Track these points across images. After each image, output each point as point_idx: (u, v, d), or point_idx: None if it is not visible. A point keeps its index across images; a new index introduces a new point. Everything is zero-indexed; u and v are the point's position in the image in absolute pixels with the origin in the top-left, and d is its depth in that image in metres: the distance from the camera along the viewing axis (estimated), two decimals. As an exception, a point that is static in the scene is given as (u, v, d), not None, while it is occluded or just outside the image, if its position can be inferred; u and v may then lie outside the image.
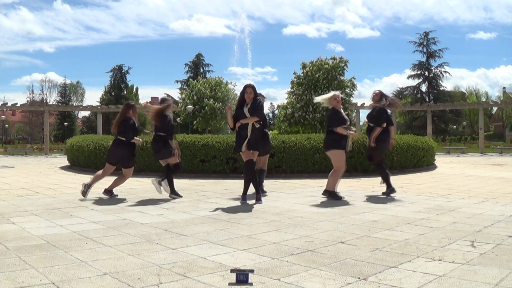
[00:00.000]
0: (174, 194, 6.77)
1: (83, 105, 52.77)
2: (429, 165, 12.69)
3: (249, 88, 6.17)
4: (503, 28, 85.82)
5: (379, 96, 7.22)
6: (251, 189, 6.34)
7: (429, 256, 3.42)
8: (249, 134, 6.12)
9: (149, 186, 7.28)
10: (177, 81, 55.27)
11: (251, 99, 6.15)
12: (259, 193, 6.33)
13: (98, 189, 7.98)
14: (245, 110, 6.12)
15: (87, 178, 10.14)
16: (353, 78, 23.02)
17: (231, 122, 6.22)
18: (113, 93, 55.89)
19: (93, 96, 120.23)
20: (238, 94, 6.66)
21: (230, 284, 2.81)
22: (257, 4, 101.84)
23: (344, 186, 7.90)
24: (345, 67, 22.72)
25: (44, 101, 53.70)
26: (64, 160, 15.81)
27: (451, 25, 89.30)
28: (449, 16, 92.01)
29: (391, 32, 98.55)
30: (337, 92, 6.89)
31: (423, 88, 51.72)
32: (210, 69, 55.34)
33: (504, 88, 60.53)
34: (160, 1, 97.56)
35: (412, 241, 3.92)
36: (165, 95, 55.54)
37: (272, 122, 61.24)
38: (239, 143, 6.21)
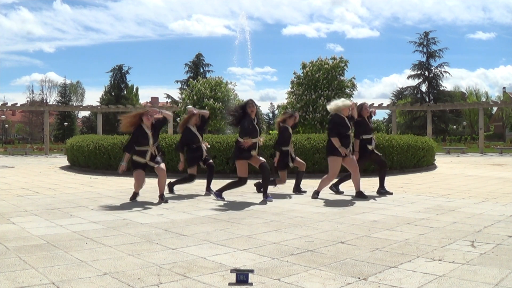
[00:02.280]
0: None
1: (83, 105, 52.67)
2: (429, 165, 12.69)
3: (251, 103, 6.50)
4: (502, 28, 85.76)
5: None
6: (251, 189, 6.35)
7: (429, 256, 3.42)
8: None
9: (149, 186, 7.27)
10: (177, 81, 55.25)
11: (255, 114, 6.48)
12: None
13: (98, 189, 7.98)
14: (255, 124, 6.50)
15: (87, 178, 10.16)
16: (353, 78, 23.00)
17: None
18: (113, 93, 55.77)
19: (93, 96, 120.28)
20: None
21: (230, 284, 2.81)
22: (256, 4, 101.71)
23: (344, 186, 7.89)
24: (345, 67, 22.71)
25: (44, 101, 53.65)
26: (64, 160, 15.81)
27: (450, 25, 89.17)
28: (447, 16, 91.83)
29: (390, 32, 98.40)
30: (349, 102, 6.91)
31: (423, 88, 51.68)
32: (210, 69, 55.37)
33: (504, 88, 60.53)
34: (158, 1, 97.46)
35: (412, 241, 3.92)
36: (165, 95, 55.57)
37: (272, 122, 61.19)
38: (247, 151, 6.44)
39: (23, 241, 3.95)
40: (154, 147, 6.39)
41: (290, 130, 7.55)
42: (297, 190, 7.47)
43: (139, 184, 6.39)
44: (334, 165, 6.62)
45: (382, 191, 7.06)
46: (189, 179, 7.40)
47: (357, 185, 6.72)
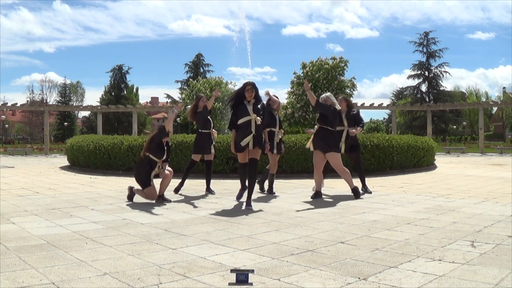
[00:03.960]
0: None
1: (83, 105, 52.73)
2: (429, 165, 12.69)
3: (248, 85, 6.11)
4: (501, 28, 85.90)
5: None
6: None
7: (429, 256, 3.42)
8: (253, 130, 5.93)
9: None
10: (177, 81, 55.33)
11: (252, 97, 6.06)
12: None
13: (98, 189, 7.98)
14: (248, 107, 6.02)
15: (87, 178, 10.16)
16: (353, 78, 23.01)
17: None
18: (113, 93, 55.76)
19: (93, 96, 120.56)
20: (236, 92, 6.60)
21: (230, 284, 2.81)
22: (255, 5, 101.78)
23: (344, 186, 7.89)
24: (345, 67, 22.72)
25: (44, 101, 53.65)
26: (64, 160, 15.81)
27: (449, 25, 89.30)
28: (446, 16, 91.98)
29: (389, 32, 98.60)
30: (326, 94, 6.94)
31: (423, 88, 51.71)
32: (210, 69, 55.40)
33: (504, 88, 60.55)
34: (158, 2, 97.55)
35: (412, 241, 3.92)
36: (165, 95, 55.55)
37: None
38: (240, 141, 6.00)
39: (23, 241, 3.95)
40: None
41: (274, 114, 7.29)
42: (265, 190, 7.44)
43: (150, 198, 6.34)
44: (314, 158, 6.75)
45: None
46: (191, 165, 7.34)
47: (350, 183, 6.79)
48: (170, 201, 6.33)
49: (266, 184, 7.49)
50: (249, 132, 5.92)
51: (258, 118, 5.92)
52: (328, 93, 7.08)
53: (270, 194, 7.19)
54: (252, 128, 5.92)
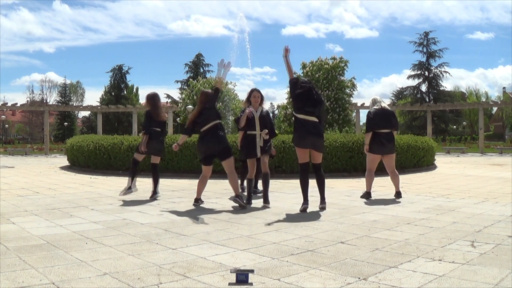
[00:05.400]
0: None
1: (83, 105, 52.75)
2: (429, 165, 12.68)
3: (255, 91, 6.30)
4: (500, 28, 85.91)
5: None
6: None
7: (429, 256, 3.42)
8: (260, 143, 6.17)
9: (149, 186, 7.27)
10: (177, 81, 55.36)
11: (258, 104, 6.30)
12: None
13: (98, 189, 7.98)
14: (256, 116, 6.22)
15: (87, 178, 10.16)
16: (353, 78, 23.01)
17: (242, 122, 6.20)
18: (113, 93, 55.80)
19: (93, 96, 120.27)
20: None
21: (230, 284, 2.81)
22: (254, 5, 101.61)
23: (344, 186, 7.91)
24: (345, 67, 22.71)
25: (44, 101, 53.67)
26: (64, 160, 15.81)
27: (448, 25, 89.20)
28: (445, 16, 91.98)
29: (388, 33, 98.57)
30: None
31: (423, 88, 51.74)
32: (210, 69, 55.42)
33: (504, 88, 60.56)
34: (157, 2, 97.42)
35: (412, 241, 3.92)
36: (165, 95, 55.55)
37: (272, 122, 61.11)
38: (253, 150, 6.16)
39: (23, 241, 3.95)
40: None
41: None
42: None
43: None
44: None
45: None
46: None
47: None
48: (203, 202, 6.24)
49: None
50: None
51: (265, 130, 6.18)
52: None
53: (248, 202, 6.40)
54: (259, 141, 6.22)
